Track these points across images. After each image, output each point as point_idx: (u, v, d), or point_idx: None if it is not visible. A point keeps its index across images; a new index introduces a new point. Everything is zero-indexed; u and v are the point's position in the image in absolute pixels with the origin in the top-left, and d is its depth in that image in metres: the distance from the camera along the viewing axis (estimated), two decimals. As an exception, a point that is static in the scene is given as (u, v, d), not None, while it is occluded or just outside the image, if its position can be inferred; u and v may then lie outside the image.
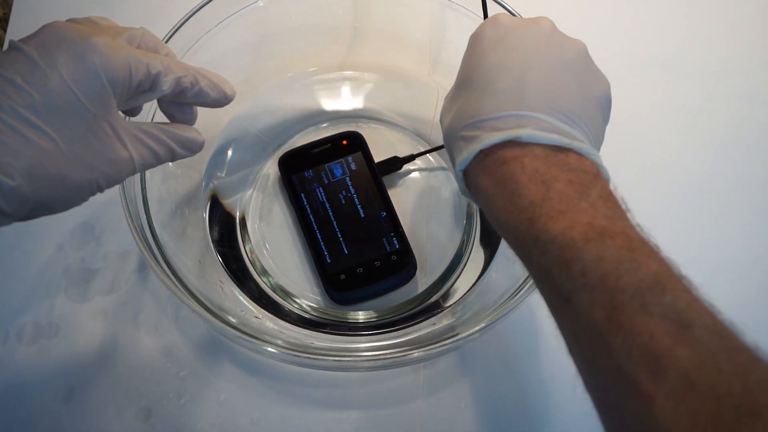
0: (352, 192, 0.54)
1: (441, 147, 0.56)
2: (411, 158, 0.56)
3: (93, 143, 0.34)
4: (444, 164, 0.57)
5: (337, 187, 0.54)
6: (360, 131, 0.56)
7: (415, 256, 0.52)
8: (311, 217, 0.53)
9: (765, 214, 0.58)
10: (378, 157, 0.56)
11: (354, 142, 0.56)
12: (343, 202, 0.53)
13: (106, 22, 0.37)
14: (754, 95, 0.62)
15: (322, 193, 0.54)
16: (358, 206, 0.53)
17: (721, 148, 0.60)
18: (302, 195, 0.53)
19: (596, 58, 0.63)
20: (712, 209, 0.57)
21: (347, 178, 0.54)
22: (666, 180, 0.58)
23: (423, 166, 0.57)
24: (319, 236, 0.52)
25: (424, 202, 0.56)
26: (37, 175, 0.33)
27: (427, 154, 0.57)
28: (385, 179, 0.55)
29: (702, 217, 0.57)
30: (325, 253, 0.52)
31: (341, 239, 0.52)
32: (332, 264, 0.51)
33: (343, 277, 0.51)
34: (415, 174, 0.57)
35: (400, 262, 0.52)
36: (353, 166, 0.55)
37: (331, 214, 0.53)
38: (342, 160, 0.55)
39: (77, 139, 0.34)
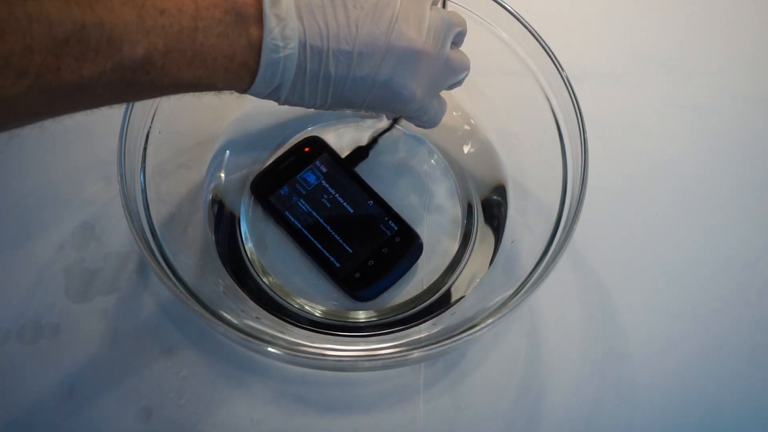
0: (333, 192, 0.54)
1: (393, 124, 0.55)
2: (374, 142, 0.56)
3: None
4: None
5: (316, 194, 0.54)
6: (360, 131, 0.57)
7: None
8: (304, 230, 0.52)
9: (765, 213, 0.58)
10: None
11: (315, 146, 0.55)
12: (329, 205, 0.53)
13: None
14: (754, 95, 0.62)
15: (305, 204, 0.53)
16: (344, 204, 0.53)
17: (721, 147, 0.60)
18: (286, 213, 0.53)
19: (597, 58, 0.64)
20: (713, 208, 0.58)
21: (323, 182, 0.54)
22: (666, 179, 0.58)
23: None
24: (319, 245, 0.52)
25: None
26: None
27: (392, 132, 0.57)
28: (363, 171, 0.55)
29: (702, 217, 0.57)
30: (332, 259, 0.52)
31: (341, 241, 0.52)
32: (342, 267, 0.51)
33: (358, 275, 0.51)
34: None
35: (405, 241, 0.52)
36: (324, 169, 0.54)
37: (321, 220, 0.53)
38: (311, 166, 0.54)
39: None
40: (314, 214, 0.53)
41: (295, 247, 0.53)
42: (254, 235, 0.54)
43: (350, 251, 0.52)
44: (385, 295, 0.52)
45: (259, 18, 0.36)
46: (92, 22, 0.31)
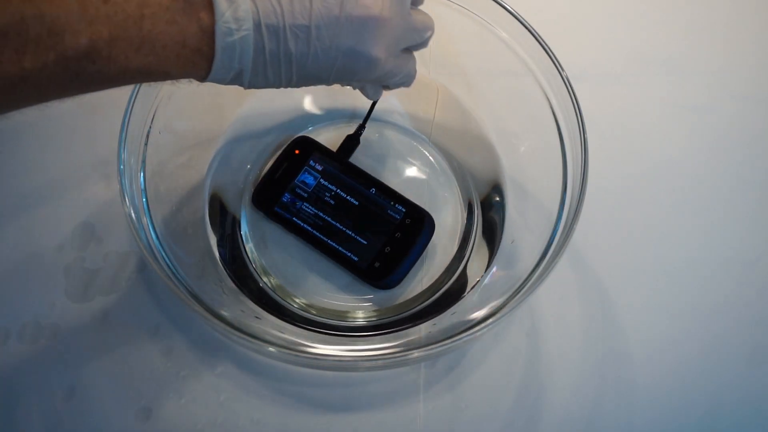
0: (334, 189, 0.54)
1: (374, 104, 0.54)
2: (361, 128, 0.55)
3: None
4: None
5: (318, 193, 0.54)
6: (360, 132, 0.57)
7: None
8: (315, 232, 0.53)
9: (765, 213, 0.58)
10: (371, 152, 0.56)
11: (305, 146, 0.55)
12: (333, 202, 0.53)
13: None
14: (754, 95, 0.62)
15: (310, 207, 0.53)
16: (348, 198, 0.53)
17: (721, 147, 0.60)
18: (294, 219, 0.53)
19: (597, 58, 0.64)
20: (713, 208, 0.58)
21: (321, 180, 0.54)
22: (666, 179, 0.58)
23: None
24: (333, 244, 0.52)
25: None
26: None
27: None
28: (361, 161, 0.55)
29: (702, 217, 0.57)
30: (348, 255, 0.52)
31: (353, 235, 0.52)
32: (361, 260, 0.52)
33: (378, 265, 0.51)
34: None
35: (416, 221, 0.53)
36: (319, 167, 0.54)
37: (329, 219, 0.53)
38: (306, 168, 0.54)
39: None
40: (321, 214, 0.53)
41: (298, 247, 0.53)
42: (254, 235, 0.54)
43: (365, 243, 0.52)
44: (385, 295, 0.52)
45: (209, 2, 0.36)
46: (31, 14, 0.31)
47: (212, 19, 0.36)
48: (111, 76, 0.34)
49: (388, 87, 0.47)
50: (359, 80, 0.43)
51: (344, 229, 0.52)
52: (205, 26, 0.36)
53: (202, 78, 0.38)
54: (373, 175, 0.55)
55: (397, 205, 0.53)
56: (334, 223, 0.53)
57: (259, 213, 0.54)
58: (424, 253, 0.53)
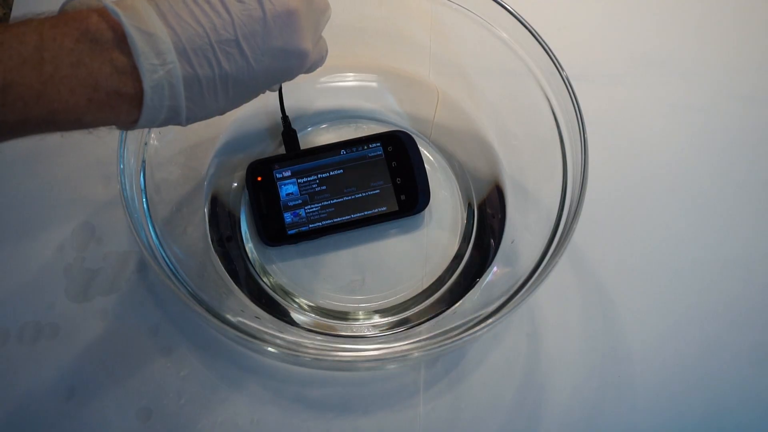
0: (315, 176, 0.54)
1: (281, 91, 0.54)
2: (286, 118, 0.55)
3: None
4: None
5: (308, 190, 0.54)
6: (360, 132, 0.57)
7: (417, 254, 0.53)
8: (334, 220, 0.53)
9: (765, 213, 0.58)
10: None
11: (262, 168, 0.54)
12: (324, 186, 0.54)
13: None
14: (754, 95, 0.62)
15: (312, 206, 0.53)
16: (332, 173, 0.54)
17: (720, 148, 0.60)
18: (310, 226, 0.53)
19: (596, 58, 0.64)
20: (712, 208, 0.58)
21: (299, 180, 0.54)
22: (666, 179, 0.58)
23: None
24: (357, 215, 0.53)
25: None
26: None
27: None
28: (309, 141, 0.57)
29: (702, 216, 0.57)
30: (375, 211, 0.54)
31: (364, 194, 0.54)
32: (389, 207, 0.54)
33: (404, 198, 0.54)
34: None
35: (396, 145, 0.55)
36: (287, 173, 0.54)
37: (335, 200, 0.53)
38: (279, 182, 0.54)
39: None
40: (325, 203, 0.54)
41: (297, 246, 0.53)
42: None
43: (378, 192, 0.54)
44: (385, 294, 0.52)
45: (120, 40, 0.33)
46: None
47: (127, 57, 0.33)
48: (9, 126, 0.32)
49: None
50: (292, 78, 0.41)
51: (352, 197, 0.54)
52: (120, 66, 0.33)
53: (131, 123, 0.35)
54: (329, 143, 0.56)
55: (371, 145, 0.55)
56: (340, 200, 0.54)
57: (280, 248, 0.53)
58: (425, 252, 0.53)
